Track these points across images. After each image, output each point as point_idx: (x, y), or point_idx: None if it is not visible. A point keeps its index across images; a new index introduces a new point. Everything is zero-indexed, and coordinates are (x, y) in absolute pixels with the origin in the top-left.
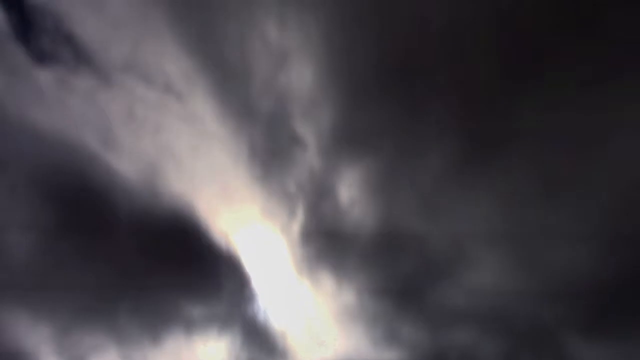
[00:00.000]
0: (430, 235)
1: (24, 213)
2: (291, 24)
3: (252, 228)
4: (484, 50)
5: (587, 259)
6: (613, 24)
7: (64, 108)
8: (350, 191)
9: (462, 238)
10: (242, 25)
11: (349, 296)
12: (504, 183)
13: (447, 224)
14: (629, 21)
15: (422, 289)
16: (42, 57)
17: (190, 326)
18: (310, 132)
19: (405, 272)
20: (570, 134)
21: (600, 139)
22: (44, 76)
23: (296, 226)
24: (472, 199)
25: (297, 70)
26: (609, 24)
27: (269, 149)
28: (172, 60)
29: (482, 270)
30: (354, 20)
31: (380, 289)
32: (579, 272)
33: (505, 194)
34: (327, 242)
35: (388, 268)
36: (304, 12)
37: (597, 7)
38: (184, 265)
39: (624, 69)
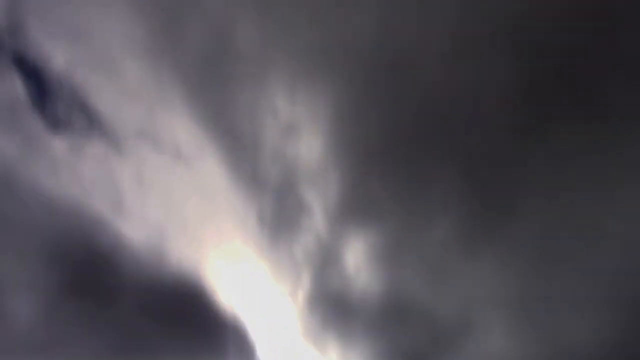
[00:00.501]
0: (437, 304)
1: (32, 276)
2: (301, 97)
3: (259, 293)
4: (490, 121)
5: (597, 329)
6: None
7: (75, 173)
8: (357, 259)
9: (470, 307)
10: (253, 97)
11: None
12: (511, 251)
13: (454, 292)
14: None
15: (428, 358)
16: (56, 124)
17: None
18: (317, 200)
19: (411, 341)
20: (578, 202)
21: (609, 206)
22: (57, 142)
23: (302, 292)
24: (480, 267)
25: (305, 140)
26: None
27: (277, 216)
28: (183, 127)
29: (490, 340)
30: (362, 94)
31: (387, 358)
32: (588, 342)
33: (513, 262)
34: (333, 309)
35: (394, 336)
36: (313, 86)
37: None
38: (190, 331)
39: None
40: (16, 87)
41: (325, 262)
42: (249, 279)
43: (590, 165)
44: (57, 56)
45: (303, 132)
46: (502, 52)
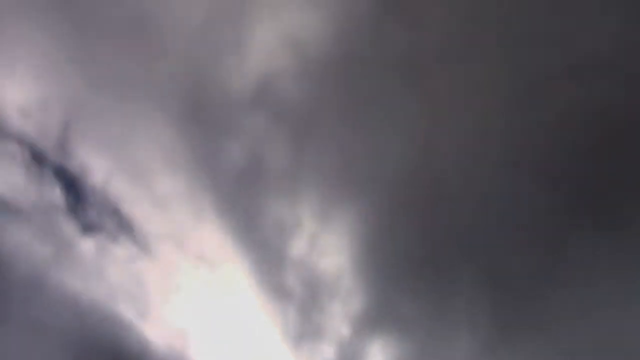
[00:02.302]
0: None
1: None
2: (329, 217)
3: None
4: (515, 237)
5: None
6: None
7: (102, 275)
8: None
9: None
10: (281, 210)
11: None
12: None
13: None
14: None
15: None
16: (87, 227)
17: None
18: (341, 312)
19: None
20: (604, 319)
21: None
22: (86, 244)
23: None
24: None
25: (331, 253)
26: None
27: (300, 326)
28: (212, 235)
29: None
30: (388, 211)
31: None
32: None
33: None
34: None
35: None
36: (341, 202)
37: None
38: None
39: None
40: (55, 194)
41: None
42: None
43: (618, 281)
44: (96, 167)
45: (329, 245)
46: (522, 169)
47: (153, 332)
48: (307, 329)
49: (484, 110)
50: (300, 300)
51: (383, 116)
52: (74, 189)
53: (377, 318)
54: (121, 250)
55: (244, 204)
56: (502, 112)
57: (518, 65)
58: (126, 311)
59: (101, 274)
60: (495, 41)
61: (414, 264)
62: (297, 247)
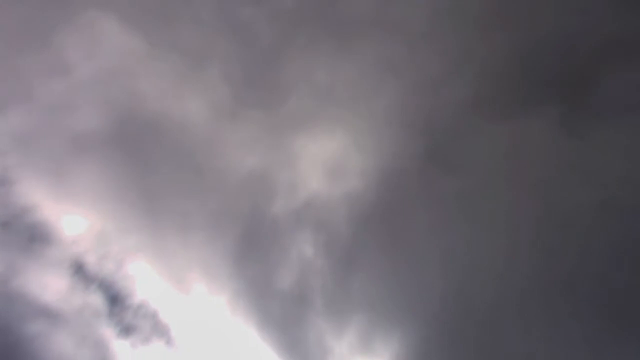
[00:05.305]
0: None
1: None
2: (373, 342)
3: None
4: None
5: None
6: None
7: None
8: None
9: None
10: (327, 337)
11: None
12: None
13: None
14: None
15: None
16: (123, 330)
17: None
18: None
19: None
20: None
21: None
22: (120, 345)
23: None
24: None
25: None
26: None
27: None
28: (251, 352)
29: None
30: (429, 340)
31: None
32: None
33: None
34: None
35: None
36: (385, 332)
37: None
38: None
39: None
40: (97, 303)
41: None
42: None
43: None
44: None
45: None
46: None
47: None
48: None
49: (525, 241)
50: None
51: (426, 248)
52: (115, 299)
53: None
54: (151, 350)
55: (289, 325)
56: (536, 243)
57: (559, 198)
58: None
59: None
60: (535, 179)
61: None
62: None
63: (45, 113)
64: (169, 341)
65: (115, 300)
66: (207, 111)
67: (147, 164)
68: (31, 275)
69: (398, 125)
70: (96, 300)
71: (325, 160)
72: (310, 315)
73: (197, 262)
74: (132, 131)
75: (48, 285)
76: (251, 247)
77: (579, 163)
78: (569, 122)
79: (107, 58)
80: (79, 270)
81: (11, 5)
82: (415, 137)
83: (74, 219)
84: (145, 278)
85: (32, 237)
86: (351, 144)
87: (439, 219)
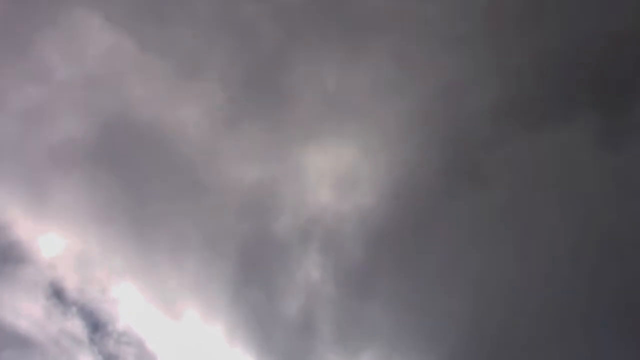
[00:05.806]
0: None
1: None
2: None
3: None
4: None
5: None
6: None
7: None
8: None
9: None
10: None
11: None
12: None
13: None
14: None
15: None
16: (107, 356)
17: None
18: None
19: None
20: None
21: None
22: None
23: None
24: None
25: None
26: None
27: None
28: None
29: None
30: None
31: None
32: None
33: None
34: None
35: None
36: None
37: None
38: None
39: None
40: (77, 330)
41: None
42: None
43: None
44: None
45: None
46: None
47: None
48: None
49: (560, 262)
50: None
51: (448, 271)
52: (97, 326)
53: None
54: None
55: (293, 358)
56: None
57: (597, 215)
58: None
59: None
60: (569, 194)
61: None
62: None
63: (21, 121)
64: None
65: (97, 326)
66: (204, 119)
67: (135, 178)
68: (4, 300)
69: (416, 135)
70: (75, 326)
71: (335, 173)
72: (318, 346)
73: (191, 286)
74: (118, 141)
75: (22, 310)
76: (252, 269)
77: (617, 177)
78: (606, 133)
79: (92, 60)
80: (57, 294)
81: None
82: (435, 148)
83: (52, 239)
84: (130, 302)
85: (5, 258)
86: (363, 155)
87: (462, 238)
